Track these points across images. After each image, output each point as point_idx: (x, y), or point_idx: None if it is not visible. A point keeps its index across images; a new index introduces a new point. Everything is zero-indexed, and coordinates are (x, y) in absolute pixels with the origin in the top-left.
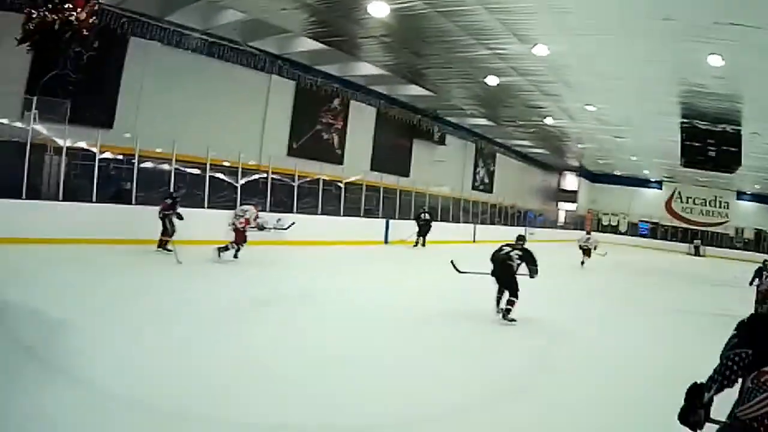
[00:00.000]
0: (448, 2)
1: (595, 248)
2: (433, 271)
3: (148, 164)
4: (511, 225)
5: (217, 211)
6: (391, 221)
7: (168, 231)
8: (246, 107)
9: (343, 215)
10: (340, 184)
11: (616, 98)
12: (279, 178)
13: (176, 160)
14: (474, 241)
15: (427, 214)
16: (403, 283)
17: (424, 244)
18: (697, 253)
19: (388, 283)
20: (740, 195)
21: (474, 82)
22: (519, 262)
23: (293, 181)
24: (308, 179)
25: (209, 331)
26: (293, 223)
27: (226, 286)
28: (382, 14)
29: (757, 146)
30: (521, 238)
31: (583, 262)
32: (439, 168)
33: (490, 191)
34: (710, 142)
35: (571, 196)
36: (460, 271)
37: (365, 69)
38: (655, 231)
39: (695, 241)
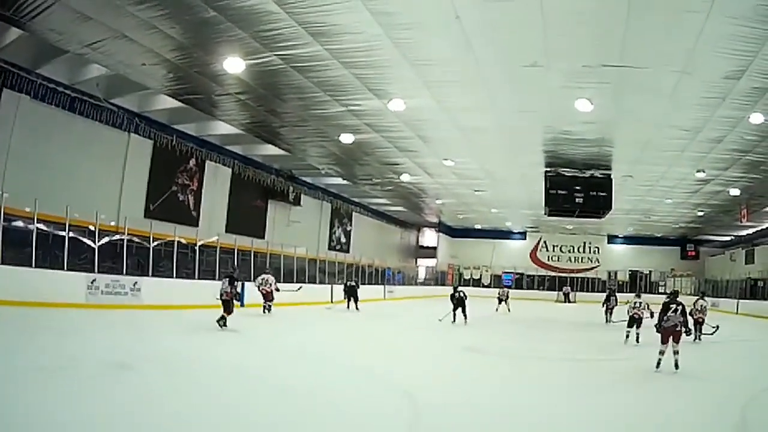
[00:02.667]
0: (305, 57)
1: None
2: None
3: (19, 223)
4: (369, 284)
5: (76, 274)
6: (246, 284)
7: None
8: (106, 167)
9: (199, 278)
10: (195, 246)
11: (476, 151)
12: (136, 240)
13: (38, 220)
14: (332, 302)
15: (351, 282)
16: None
17: (357, 307)
18: (567, 300)
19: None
20: (611, 239)
21: (329, 140)
22: (465, 296)
23: (149, 243)
24: (164, 242)
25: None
26: (300, 287)
27: (94, 347)
28: (238, 70)
29: (631, 189)
30: (457, 288)
31: (509, 310)
32: (294, 228)
33: (347, 251)
34: (577, 189)
35: (430, 252)
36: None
37: (221, 128)
38: (521, 281)
39: (564, 288)
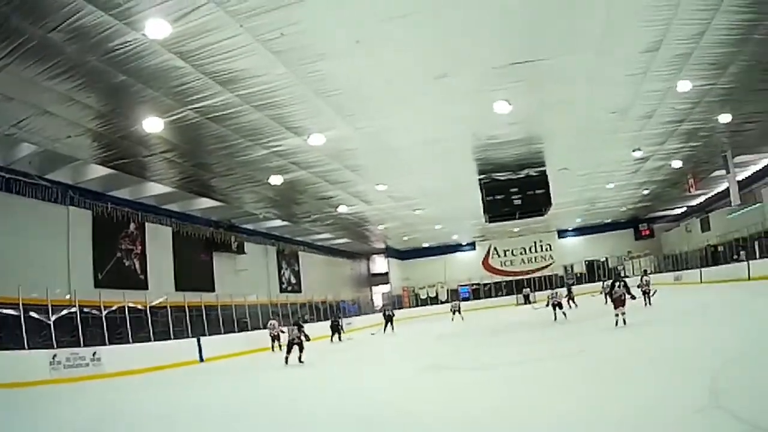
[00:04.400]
0: (217, 106)
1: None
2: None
3: None
4: (325, 320)
5: (36, 351)
6: (203, 338)
7: (296, 346)
8: (50, 242)
9: (155, 340)
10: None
11: (406, 171)
12: (88, 310)
13: None
14: (284, 342)
15: (335, 318)
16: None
17: (340, 339)
18: (527, 302)
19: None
20: (562, 233)
21: (260, 185)
22: (393, 314)
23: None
24: (115, 308)
25: None
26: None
27: (59, 421)
28: (158, 129)
29: (570, 181)
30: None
31: (463, 319)
32: (243, 277)
33: (300, 290)
34: (513, 191)
35: (383, 278)
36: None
37: (156, 189)
38: (478, 291)
39: (524, 290)
